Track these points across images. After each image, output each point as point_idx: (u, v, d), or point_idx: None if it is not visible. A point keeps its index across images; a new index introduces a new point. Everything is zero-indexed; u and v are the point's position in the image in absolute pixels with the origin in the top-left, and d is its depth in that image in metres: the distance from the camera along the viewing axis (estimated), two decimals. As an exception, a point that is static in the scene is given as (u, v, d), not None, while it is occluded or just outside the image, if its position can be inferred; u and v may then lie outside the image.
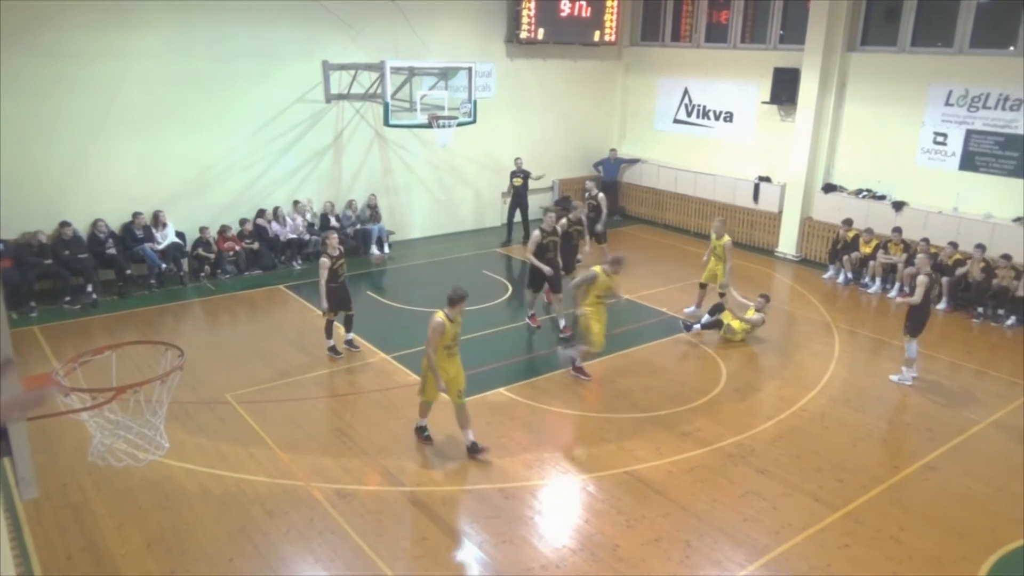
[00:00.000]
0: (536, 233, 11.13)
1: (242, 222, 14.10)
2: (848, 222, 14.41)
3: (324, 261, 10.03)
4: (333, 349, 10.45)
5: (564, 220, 11.92)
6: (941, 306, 12.86)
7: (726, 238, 11.74)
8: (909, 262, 13.40)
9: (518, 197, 16.50)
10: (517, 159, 16.55)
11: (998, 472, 8.00)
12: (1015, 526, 7.09)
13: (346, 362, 10.31)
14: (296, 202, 14.92)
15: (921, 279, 9.74)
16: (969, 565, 6.52)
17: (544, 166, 18.60)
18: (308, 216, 14.88)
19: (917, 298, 9.67)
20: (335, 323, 10.55)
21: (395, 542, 6.60)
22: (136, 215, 12.96)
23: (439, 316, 7.60)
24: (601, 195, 14.59)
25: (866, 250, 14.05)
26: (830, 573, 6.36)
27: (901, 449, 8.45)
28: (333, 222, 14.88)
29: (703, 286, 12.27)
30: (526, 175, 16.41)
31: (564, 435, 8.54)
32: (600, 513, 7.12)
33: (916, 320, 9.82)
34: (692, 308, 12.32)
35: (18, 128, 11.76)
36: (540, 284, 11.38)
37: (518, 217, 16.64)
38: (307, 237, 14.63)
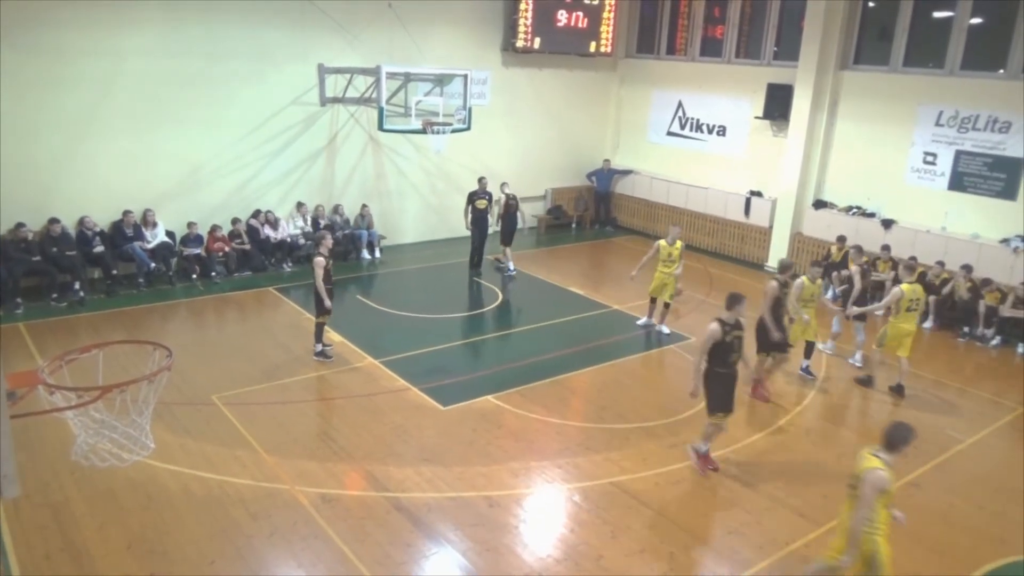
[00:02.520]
0: (714, 327, 7.69)
1: (234, 222, 14.05)
2: (842, 239, 14.39)
3: (320, 260, 10.01)
4: (323, 353, 10.41)
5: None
6: (927, 324, 12.96)
7: (678, 244, 11.97)
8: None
9: (480, 222, 14.78)
10: (481, 178, 14.83)
11: (980, 491, 8.04)
12: (996, 545, 7.13)
13: (333, 366, 10.27)
14: (300, 204, 14.90)
15: (855, 268, 11.41)
16: (950, 583, 6.56)
17: (537, 175, 18.73)
18: (308, 219, 14.88)
19: (858, 284, 11.20)
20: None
21: (379, 548, 6.57)
22: (126, 213, 12.89)
23: (878, 468, 5.43)
24: (514, 194, 14.89)
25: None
26: (812, 588, 6.36)
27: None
28: (323, 226, 14.84)
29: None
30: (490, 197, 14.85)
31: (551, 444, 8.53)
32: (585, 523, 7.11)
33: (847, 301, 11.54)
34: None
35: (8, 124, 11.69)
36: (724, 404, 7.94)
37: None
38: (301, 241, 14.59)
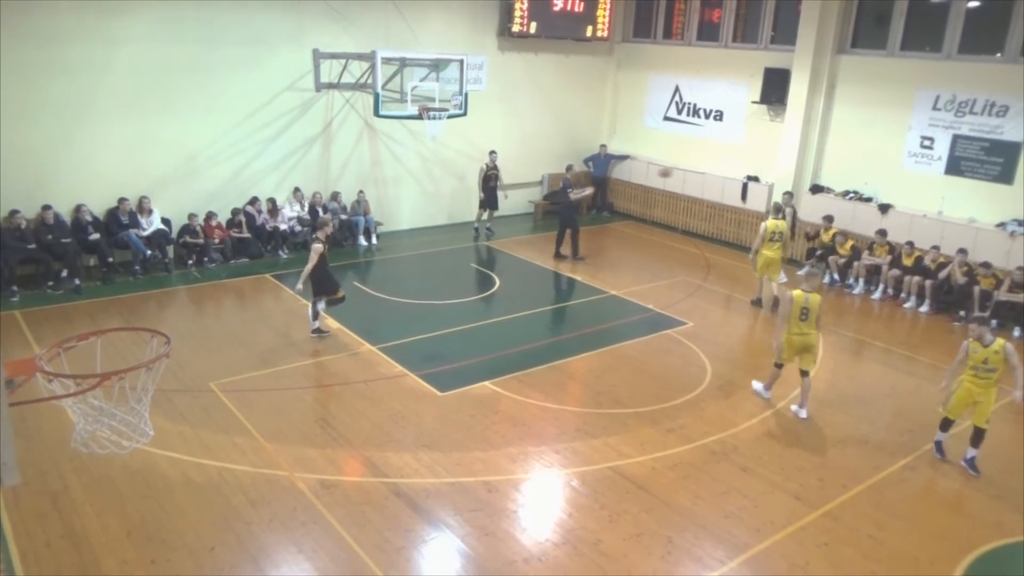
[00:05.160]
0: None
1: (235, 212, 14.04)
2: (828, 218, 14.44)
3: (318, 247, 10.13)
4: (318, 330, 10.56)
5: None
6: (923, 308, 13.00)
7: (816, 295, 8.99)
8: (894, 264, 13.55)
9: (571, 210, 15.06)
10: (570, 166, 16.14)
11: (976, 475, 8.09)
12: (991, 528, 7.18)
13: (330, 352, 10.28)
14: (296, 189, 14.86)
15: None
16: (945, 565, 6.61)
17: (534, 161, 18.67)
18: (305, 205, 14.84)
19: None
20: (320, 311, 10.68)
21: (378, 533, 6.60)
22: (121, 201, 12.83)
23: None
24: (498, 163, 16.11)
25: (842, 251, 14.18)
26: (809, 571, 6.43)
27: (881, 450, 8.53)
28: (321, 213, 14.80)
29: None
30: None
31: (548, 429, 8.56)
32: (583, 508, 7.15)
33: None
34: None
35: (2, 111, 11.60)
36: None
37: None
38: (297, 228, 14.56)
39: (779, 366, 9.20)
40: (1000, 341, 7.85)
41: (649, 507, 7.17)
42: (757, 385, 9.69)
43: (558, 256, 15.08)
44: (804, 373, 9.07)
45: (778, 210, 13.02)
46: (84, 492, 6.97)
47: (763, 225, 12.47)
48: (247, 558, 6.23)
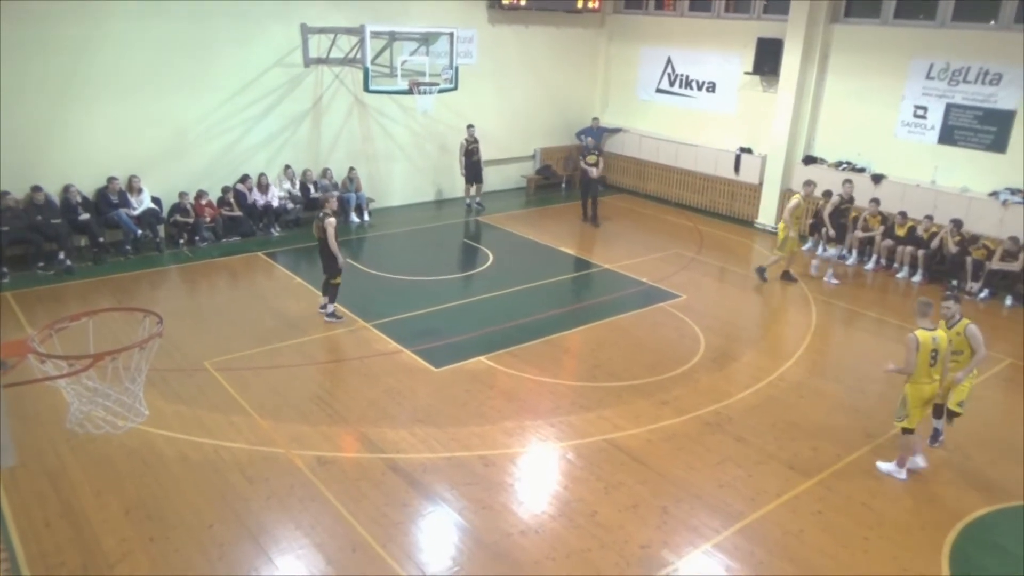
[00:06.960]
0: None
1: (225, 190, 13.93)
2: (827, 193, 14.38)
3: (333, 221, 10.11)
4: (333, 314, 10.50)
5: None
6: (916, 278, 13.05)
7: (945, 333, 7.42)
8: (887, 235, 13.56)
9: (591, 181, 15.87)
10: (593, 131, 17.05)
11: (968, 441, 8.16)
12: (983, 495, 7.26)
13: (326, 330, 10.28)
14: (287, 167, 14.73)
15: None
16: (937, 532, 6.69)
17: (526, 135, 18.57)
18: (297, 183, 14.74)
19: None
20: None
21: (375, 508, 6.64)
22: (111, 180, 12.72)
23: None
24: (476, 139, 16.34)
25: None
26: (803, 539, 6.50)
27: (874, 419, 8.59)
28: (313, 190, 14.73)
29: None
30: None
31: (544, 403, 8.59)
32: (579, 480, 7.20)
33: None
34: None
35: (-13, 89, 11.47)
36: None
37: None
38: (289, 205, 14.47)
39: (909, 431, 7.31)
40: (964, 322, 7.43)
41: (644, 478, 7.22)
42: (886, 466, 7.51)
43: (585, 220, 16.06)
44: (940, 411, 7.70)
45: (810, 186, 12.98)
46: (82, 471, 6.99)
47: (797, 202, 12.38)
48: (245, 535, 6.27)
